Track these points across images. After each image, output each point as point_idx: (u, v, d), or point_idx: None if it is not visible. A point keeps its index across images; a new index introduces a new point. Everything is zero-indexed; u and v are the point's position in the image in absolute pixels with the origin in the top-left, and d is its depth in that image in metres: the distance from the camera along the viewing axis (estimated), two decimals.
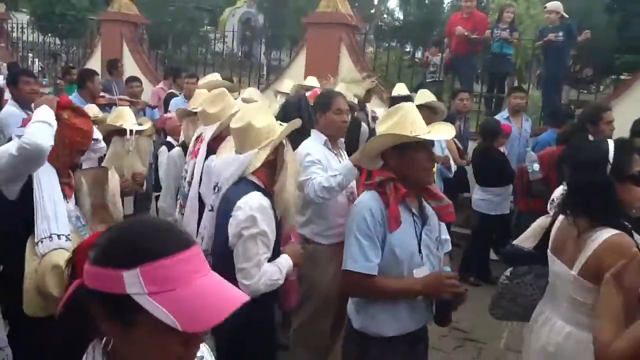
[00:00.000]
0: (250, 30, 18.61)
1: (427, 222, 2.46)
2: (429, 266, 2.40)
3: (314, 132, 3.64)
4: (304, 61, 8.65)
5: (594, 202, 2.26)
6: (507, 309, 2.73)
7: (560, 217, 2.47)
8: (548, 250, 2.49)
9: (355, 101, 5.22)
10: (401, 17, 29.63)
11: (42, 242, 2.58)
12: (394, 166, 2.39)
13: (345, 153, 3.80)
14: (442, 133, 2.50)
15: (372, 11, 29.43)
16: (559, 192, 2.91)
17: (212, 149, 3.28)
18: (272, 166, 2.61)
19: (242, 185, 2.56)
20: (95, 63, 10.38)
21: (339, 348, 3.82)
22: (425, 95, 4.83)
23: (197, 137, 3.45)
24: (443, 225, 2.62)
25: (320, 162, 3.42)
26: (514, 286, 2.65)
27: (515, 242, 2.79)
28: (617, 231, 2.19)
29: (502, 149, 5.76)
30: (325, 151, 3.56)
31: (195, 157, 3.35)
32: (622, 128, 4.80)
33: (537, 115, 8.13)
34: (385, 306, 2.38)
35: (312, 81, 5.87)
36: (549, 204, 3.09)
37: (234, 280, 2.42)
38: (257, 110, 2.69)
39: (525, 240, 2.71)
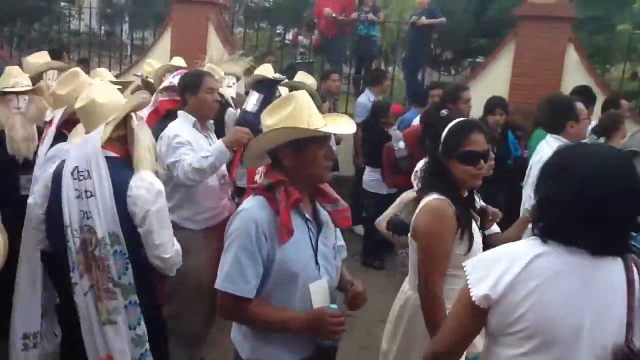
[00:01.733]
0: (112, 7, 17.47)
1: (322, 229, 2.16)
2: (327, 278, 2.14)
3: (182, 113, 3.48)
4: (169, 41, 8.31)
5: (427, 173, 2.51)
6: None
7: None
8: None
9: (234, 81, 5.09)
10: None
11: None
12: (289, 164, 2.05)
13: (215, 135, 3.68)
14: (344, 126, 2.13)
15: None
16: (421, 164, 3.06)
17: (63, 135, 2.99)
18: (126, 141, 2.53)
19: (119, 166, 2.46)
20: None
21: (214, 337, 3.75)
22: (305, 77, 4.81)
23: (49, 121, 3.15)
24: (338, 230, 2.32)
25: (190, 143, 3.28)
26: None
27: (380, 217, 2.89)
28: (440, 196, 2.36)
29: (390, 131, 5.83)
30: (195, 133, 3.43)
31: None
32: (478, 107, 5.15)
33: (402, 95, 8.45)
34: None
35: (179, 61, 5.61)
36: (412, 175, 3.26)
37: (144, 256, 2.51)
38: (101, 87, 2.60)
39: (391, 213, 2.81)
